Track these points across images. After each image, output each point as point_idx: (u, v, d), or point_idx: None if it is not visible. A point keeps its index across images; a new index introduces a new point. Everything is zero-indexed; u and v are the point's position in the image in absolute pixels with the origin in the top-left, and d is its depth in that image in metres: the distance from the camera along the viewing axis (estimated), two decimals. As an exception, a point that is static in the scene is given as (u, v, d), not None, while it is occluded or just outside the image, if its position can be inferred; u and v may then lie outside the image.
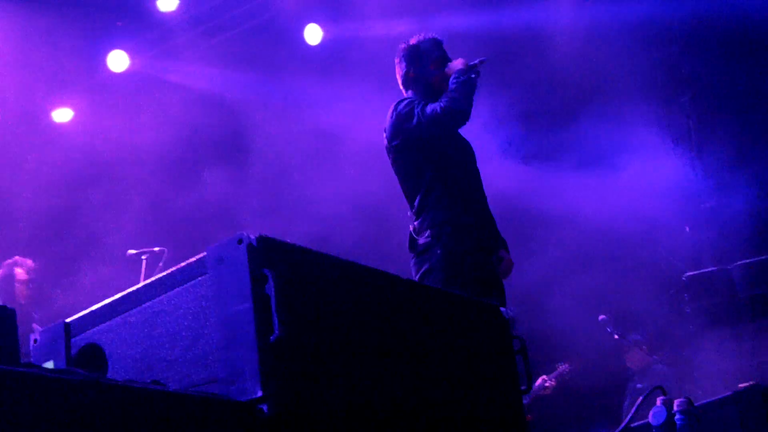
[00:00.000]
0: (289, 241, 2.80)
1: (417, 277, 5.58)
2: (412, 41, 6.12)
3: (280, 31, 12.28)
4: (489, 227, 5.87)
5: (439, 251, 5.49)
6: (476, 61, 5.91)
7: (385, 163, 6.02)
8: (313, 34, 12.37)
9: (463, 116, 5.70)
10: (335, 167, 11.66)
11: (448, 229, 5.56)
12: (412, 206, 5.82)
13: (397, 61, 6.13)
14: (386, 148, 5.96)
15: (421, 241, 5.58)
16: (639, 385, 10.75)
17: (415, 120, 5.68)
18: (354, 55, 11.64)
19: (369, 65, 10.74)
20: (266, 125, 12.06)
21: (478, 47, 6.13)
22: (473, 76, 5.83)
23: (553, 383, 10.98)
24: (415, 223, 5.72)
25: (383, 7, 11.58)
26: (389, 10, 11.52)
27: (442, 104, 5.64)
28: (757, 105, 11.15)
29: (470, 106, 5.73)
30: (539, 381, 10.85)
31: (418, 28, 10.09)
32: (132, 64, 12.30)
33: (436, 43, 6.11)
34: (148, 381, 2.71)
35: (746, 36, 11.08)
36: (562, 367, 11.20)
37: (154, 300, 2.89)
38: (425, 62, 6.02)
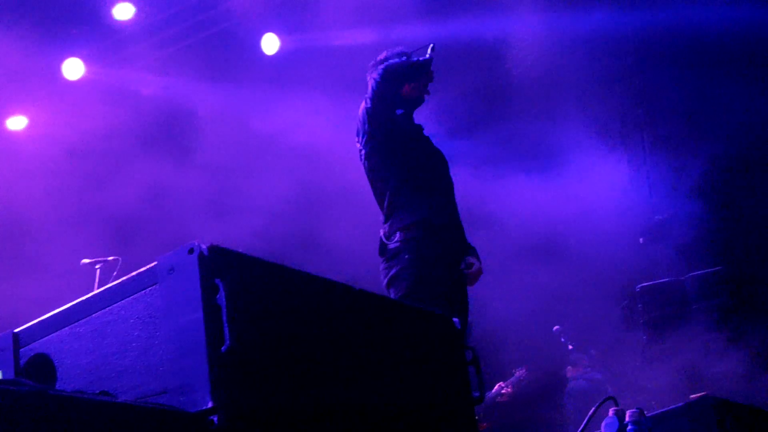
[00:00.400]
0: (237, 241, 2.79)
1: (385, 282, 5.58)
2: (380, 56, 6.16)
3: (237, 40, 12.25)
4: (458, 233, 5.88)
5: (407, 256, 5.50)
6: (428, 50, 5.96)
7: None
8: (270, 43, 12.35)
9: (393, 73, 5.74)
10: (278, 169, 11.69)
11: (417, 233, 5.57)
12: (382, 210, 5.84)
13: (369, 77, 6.15)
14: (359, 154, 6.00)
15: (391, 246, 5.59)
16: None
17: (369, 104, 5.77)
18: (310, 65, 11.64)
19: (325, 74, 10.77)
20: (218, 133, 12.03)
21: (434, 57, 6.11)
22: (423, 59, 5.89)
23: (509, 390, 11.02)
24: (385, 226, 5.72)
25: (341, 18, 11.60)
26: (347, 20, 11.54)
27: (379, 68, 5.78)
28: (710, 118, 11.28)
29: (404, 69, 5.79)
30: (496, 388, 10.89)
31: (376, 37, 10.17)
32: (87, 72, 12.21)
33: (403, 55, 6.14)
34: (98, 392, 2.68)
35: (699, 49, 11.21)
36: (519, 373, 11.25)
37: (105, 310, 2.86)
38: None
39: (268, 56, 12.43)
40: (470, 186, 10.16)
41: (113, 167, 11.75)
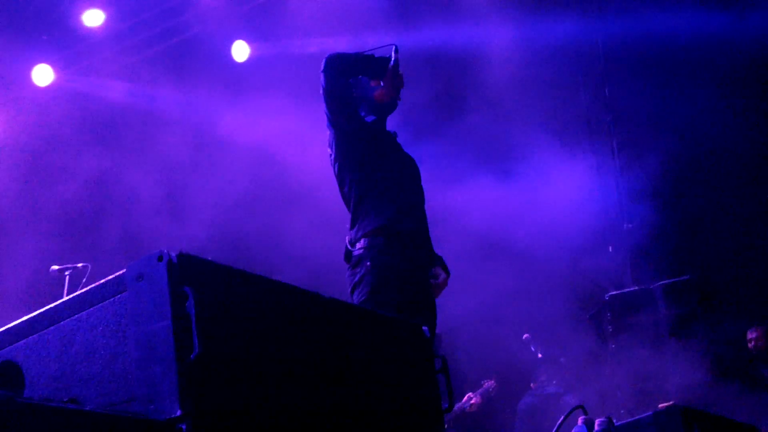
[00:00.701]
0: (199, 240, 2.78)
1: (350, 289, 5.56)
2: None
3: (207, 47, 12.24)
4: (424, 242, 5.85)
5: (368, 263, 5.46)
6: (392, 52, 5.92)
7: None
8: (241, 50, 12.35)
9: (335, 59, 5.67)
10: (238, 173, 11.74)
11: (380, 240, 5.53)
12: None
13: None
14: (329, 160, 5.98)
15: (355, 252, 5.57)
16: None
17: (324, 104, 5.73)
18: (281, 72, 11.65)
19: (295, 81, 10.77)
20: (185, 138, 12.03)
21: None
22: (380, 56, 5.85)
23: (478, 400, 11.02)
24: (350, 233, 5.70)
25: (312, 25, 11.62)
26: (318, 28, 11.56)
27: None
28: (678, 127, 11.36)
29: (348, 58, 5.74)
30: (465, 398, 10.88)
31: (346, 45, 10.18)
32: (57, 79, 12.17)
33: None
34: (65, 399, 2.67)
35: (667, 60, 11.30)
36: (488, 384, 11.25)
37: (73, 317, 2.84)
38: (364, 81, 6.01)
39: (239, 63, 12.43)
40: (434, 191, 10.20)
41: (74, 169, 11.72)
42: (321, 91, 5.72)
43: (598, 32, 11.79)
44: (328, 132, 5.86)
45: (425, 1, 11.79)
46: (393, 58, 5.87)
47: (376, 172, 5.72)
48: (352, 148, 5.76)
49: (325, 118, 5.82)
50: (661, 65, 11.43)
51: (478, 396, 11.08)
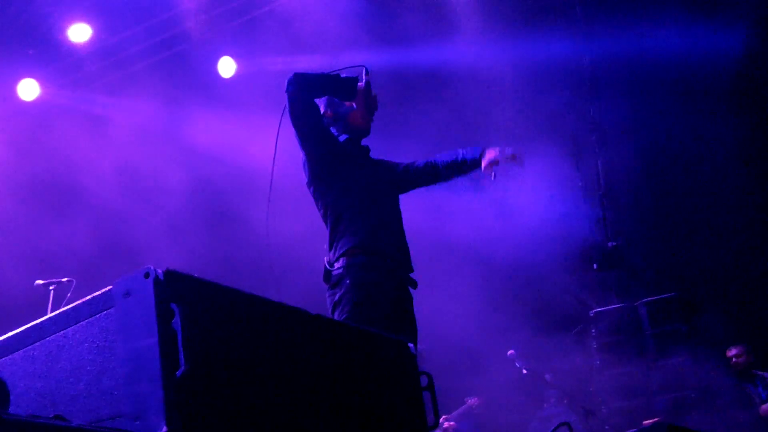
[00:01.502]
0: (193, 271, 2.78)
1: (330, 308, 5.54)
2: None
3: (193, 63, 12.24)
4: (404, 259, 5.82)
5: (348, 281, 5.44)
6: (363, 73, 5.86)
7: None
8: (227, 67, 12.36)
9: (300, 78, 5.57)
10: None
11: (359, 260, 5.51)
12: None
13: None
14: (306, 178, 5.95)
15: (334, 272, 5.54)
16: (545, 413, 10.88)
17: (292, 126, 5.67)
18: (266, 88, 11.68)
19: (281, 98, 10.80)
20: (172, 155, 12.04)
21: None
22: (348, 77, 5.79)
23: (452, 424, 10.99)
24: (329, 253, 5.68)
25: (300, 43, 11.65)
26: (306, 45, 11.60)
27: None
28: (663, 146, 11.42)
29: (313, 78, 5.65)
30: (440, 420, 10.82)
31: (334, 63, 10.19)
32: (42, 94, 12.15)
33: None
34: (52, 416, 2.66)
35: (653, 79, 11.37)
36: (471, 401, 11.24)
37: (59, 333, 2.84)
38: (338, 100, 5.96)
39: (225, 79, 12.43)
40: (426, 211, 10.22)
41: (58, 183, 11.75)
42: (287, 112, 5.65)
43: (585, 52, 11.86)
44: (300, 154, 5.81)
45: (414, 19, 11.82)
46: (363, 80, 5.81)
47: (350, 193, 5.68)
48: (324, 171, 5.71)
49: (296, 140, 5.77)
50: (647, 85, 11.50)
51: (452, 421, 11.05)
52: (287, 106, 5.58)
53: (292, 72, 5.58)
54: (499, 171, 5.79)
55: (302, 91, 5.60)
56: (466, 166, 5.95)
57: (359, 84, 5.79)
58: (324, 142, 5.72)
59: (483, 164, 5.86)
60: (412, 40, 11.66)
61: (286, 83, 5.56)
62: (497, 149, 5.84)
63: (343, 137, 5.90)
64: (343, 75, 5.77)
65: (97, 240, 11.63)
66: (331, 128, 5.93)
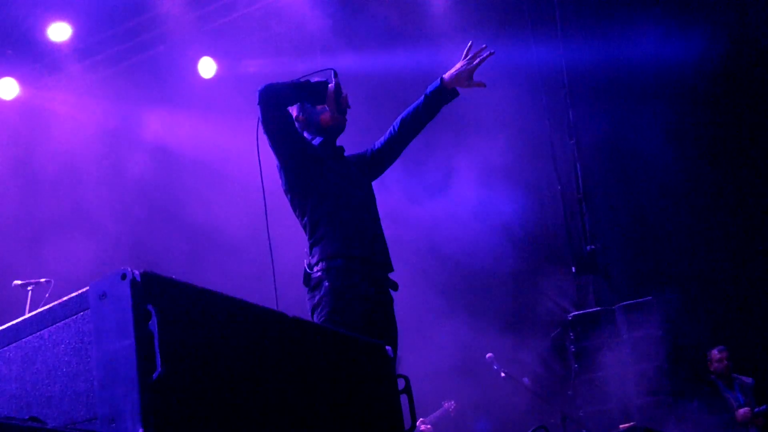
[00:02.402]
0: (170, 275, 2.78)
1: (310, 312, 5.55)
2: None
3: (174, 63, 12.22)
4: (383, 261, 5.83)
5: (327, 284, 5.46)
6: (332, 76, 5.86)
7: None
8: (207, 67, 12.33)
9: (268, 91, 5.55)
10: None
11: (338, 263, 5.52)
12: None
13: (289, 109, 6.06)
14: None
15: (314, 275, 5.56)
16: None
17: (266, 137, 5.67)
18: (246, 89, 11.67)
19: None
20: (151, 155, 12.01)
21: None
22: (316, 80, 5.79)
23: (429, 427, 10.99)
24: (309, 257, 5.69)
25: (281, 44, 11.65)
26: (287, 46, 11.60)
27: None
28: (640, 151, 11.47)
29: (281, 88, 5.63)
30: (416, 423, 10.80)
31: (314, 65, 10.20)
32: (22, 93, 12.11)
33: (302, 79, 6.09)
34: (26, 418, 2.66)
35: (630, 85, 11.42)
36: (447, 404, 11.24)
37: (34, 335, 2.83)
38: (309, 104, 5.97)
39: (205, 80, 12.41)
40: (396, 212, 10.23)
41: (36, 183, 11.71)
42: (258, 123, 5.62)
43: (561, 58, 11.89)
44: (277, 161, 5.81)
45: (391, 23, 11.83)
46: (332, 82, 5.82)
47: (327, 198, 5.68)
48: (300, 178, 5.71)
49: (260, 141, 5.76)
50: (623, 91, 11.54)
51: (428, 424, 11.04)
52: (260, 118, 5.59)
53: (263, 84, 5.58)
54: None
55: (273, 103, 5.61)
56: (432, 98, 6.02)
57: (329, 86, 5.80)
58: (298, 150, 5.72)
59: (448, 75, 5.98)
60: (389, 43, 11.67)
61: (257, 95, 5.56)
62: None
63: (317, 140, 5.91)
64: (312, 80, 5.76)
65: (76, 240, 11.58)
66: (304, 132, 5.94)
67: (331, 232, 5.61)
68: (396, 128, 6.08)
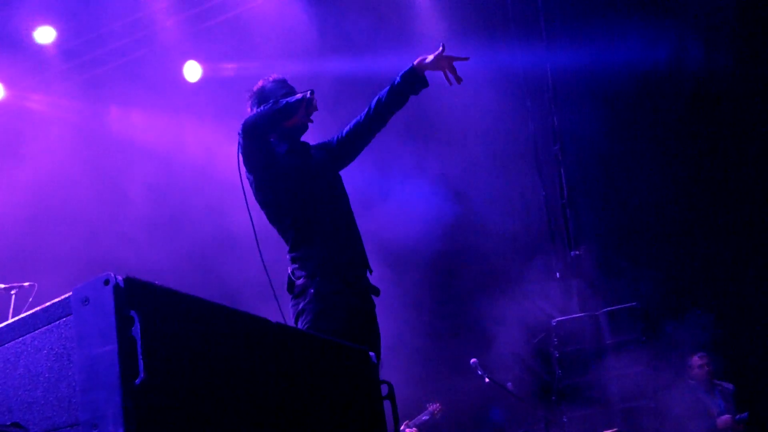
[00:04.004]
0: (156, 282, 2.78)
1: (293, 319, 5.56)
2: (257, 86, 6.12)
3: (159, 67, 12.20)
4: (363, 264, 5.84)
5: (311, 291, 5.48)
6: (306, 94, 5.88)
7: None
8: (193, 71, 12.32)
9: (252, 129, 5.64)
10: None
11: (320, 270, 5.54)
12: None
13: (248, 107, 6.10)
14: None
15: (297, 282, 5.57)
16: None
17: (239, 159, 5.73)
18: (232, 93, 11.68)
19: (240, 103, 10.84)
20: (135, 158, 11.99)
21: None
22: (295, 99, 5.81)
23: (414, 430, 10.99)
24: (292, 264, 5.70)
25: (266, 48, 11.65)
26: (272, 50, 11.60)
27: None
28: (624, 156, 11.51)
29: (265, 120, 5.66)
30: (402, 426, 10.83)
31: (299, 69, 10.21)
32: (7, 95, 12.09)
33: (280, 83, 6.11)
34: (8, 423, 2.65)
35: (615, 90, 11.46)
36: (433, 407, 11.23)
37: (17, 340, 2.82)
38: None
39: (190, 83, 12.40)
40: (375, 214, 10.24)
41: (19, 184, 11.68)
42: (238, 148, 5.70)
43: (546, 62, 11.92)
44: (249, 177, 5.84)
45: (375, 27, 11.84)
46: (309, 100, 5.85)
47: (305, 207, 5.71)
48: (274, 191, 5.75)
49: (240, 165, 5.80)
50: (608, 96, 11.58)
51: (413, 426, 11.04)
52: (242, 145, 5.69)
53: (244, 120, 5.69)
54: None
55: (253, 135, 5.70)
56: (404, 84, 6.04)
57: (304, 98, 5.83)
58: (272, 166, 5.76)
59: (419, 61, 6.03)
60: (373, 46, 11.68)
61: (240, 128, 5.67)
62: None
63: (283, 147, 5.92)
64: (291, 100, 5.79)
65: (61, 244, 11.55)
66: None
67: (311, 240, 5.63)
68: (362, 116, 6.09)
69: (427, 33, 11.82)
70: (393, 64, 11.30)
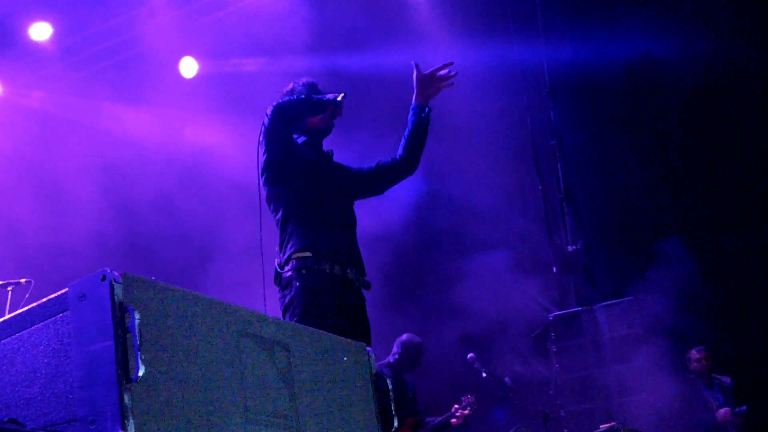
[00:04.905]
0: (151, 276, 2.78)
1: (281, 311, 5.54)
2: (287, 87, 6.13)
3: (156, 63, 12.18)
4: (354, 260, 5.83)
5: (298, 283, 5.45)
6: (338, 97, 5.88)
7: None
8: (189, 67, 12.30)
9: (282, 111, 5.65)
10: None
11: (308, 261, 5.52)
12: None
13: None
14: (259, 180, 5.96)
15: (285, 274, 5.56)
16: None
17: (260, 139, 5.72)
18: (228, 89, 11.66)
19: (243, 99, 10.82)
20: (133, 154, 11.99)
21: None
22: (329, 98, 5.82)
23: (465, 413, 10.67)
24: (280, 255, 5.69)
25: (262, 45, 11.65)
26: (268, 48, 11.60)
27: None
28: (621, 151, 11.52)
29: (298, 106, 5.71)
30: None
31: (295, 66, 10.20)
32: (3, 92, 12.08)
33: (310, 85, 6.11)
34: (5, 420, 2.65)
35: (611, 86, 11.47)
36: (467, 399, 10.92)
37: (14, 336, 2.82)
38: None
39: (187, 79, 12.38)
40: (377, 212, 10.24)
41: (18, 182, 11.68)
42: (261, 128, 5.69)
43: (543, 57, 11.94)
44: (261, 158, 5.84)
45: (373, 23, 11.83)
46: (339, 103, 5.86)
47: (303, 196, 5.70)
48: (280, 175, 5.74)
49: (260, 145, 5.80)
50: (605, 91, 11.58)
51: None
52: (266, 126, 5.65)
53: (277, 102, 5.69)
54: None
55: (285, 120, 5.71)
56: (416, 128, 6.07)
57: (335, 100, 5.84)
58: (288, 152, 5.76)
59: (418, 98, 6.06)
60: (371, 42, 11.67)
61: (270, 110, 5.65)
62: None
63: (301, 139, 5.93)
64: (325, 98, 5.81)
65: (59, 240, 11.53)
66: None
67: (302, 229, 5.61)
68: (401, 154, 6.07)
69: (424, 28, 11.82)
70: (390, 61, 11.37)
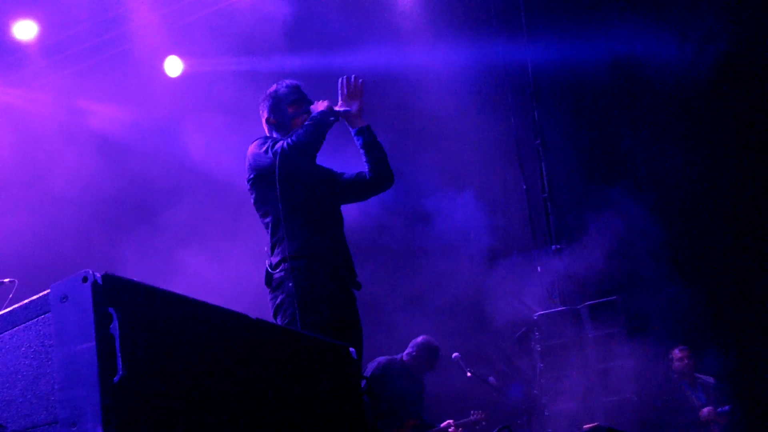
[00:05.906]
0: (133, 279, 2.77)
1: (272, 312, 5.55)
2: (270, 89, 6.15)
3: (141, 62, 12.15)
4: (345, 261, 5.84)
5: (290, 284, 5.46)
6: (341, 110, 5.91)
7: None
8: (174, 66, 12.28)
9: (305, 150, 5.66)
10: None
11: (300, 262, 5.53)
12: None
13: (260, 110, 6.14)
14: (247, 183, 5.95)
15: (276, 275, 5.56)
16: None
17: (269, 155, 5.68)
18: (213, 88, 11.64)
19: (228, 98, 10.80)
20: (117, 155, 11.96)
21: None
22: (332, 119, 5.84)
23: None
24: (271, 258, 5.69)
25: (248, 44, 11.64)
26: (255, 46, 11.59)
27: (288, 140, 5.66)
28: (605, 149, 11.54)
29: (314, 140, 5.69)
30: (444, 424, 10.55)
31: (280, 64, 10.18)
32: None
33: (293, 88, 6.12)
34: (-14, 421, 2.65)
35: (595, 84, 11.49)
36: (476, 416, 10.79)
37: (-5, 338, 2.82)
38: (282, 107, 6.02)
39: (172, 78, 12.35)
40: (361, 212, 10.25)
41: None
42: (275, 158, 5.64)
43: (527, 57, 11.95)
44: (246, 162, 5.85)
45: (357, 22, 11.83)
46: (337, 113, 5.90)
47: (291, 197, 5.70)
48: (271, 178, 5.73)
49: (249, 155, 5.82)
50: (589, 90, 11.61)
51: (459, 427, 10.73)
52: (279, 163, 5.61)
53: (288, 143, 5.64)
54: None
55: (300, 158, 5.71)
56: (368, 149, 6.06)
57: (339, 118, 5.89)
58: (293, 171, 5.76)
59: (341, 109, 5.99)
60: (355, 41, 11.66)
61: (283, 150, 5.62)
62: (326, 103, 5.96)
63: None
64: (331, 119, 5.83)
65: (42, 241, 11.50)
66: (274, 133, 5.99)
67: (293, 229, 5.62)
68: (368, 178, 6.08)
69: (408, 28, 11.83)
70: (374, 60, 11.37)
